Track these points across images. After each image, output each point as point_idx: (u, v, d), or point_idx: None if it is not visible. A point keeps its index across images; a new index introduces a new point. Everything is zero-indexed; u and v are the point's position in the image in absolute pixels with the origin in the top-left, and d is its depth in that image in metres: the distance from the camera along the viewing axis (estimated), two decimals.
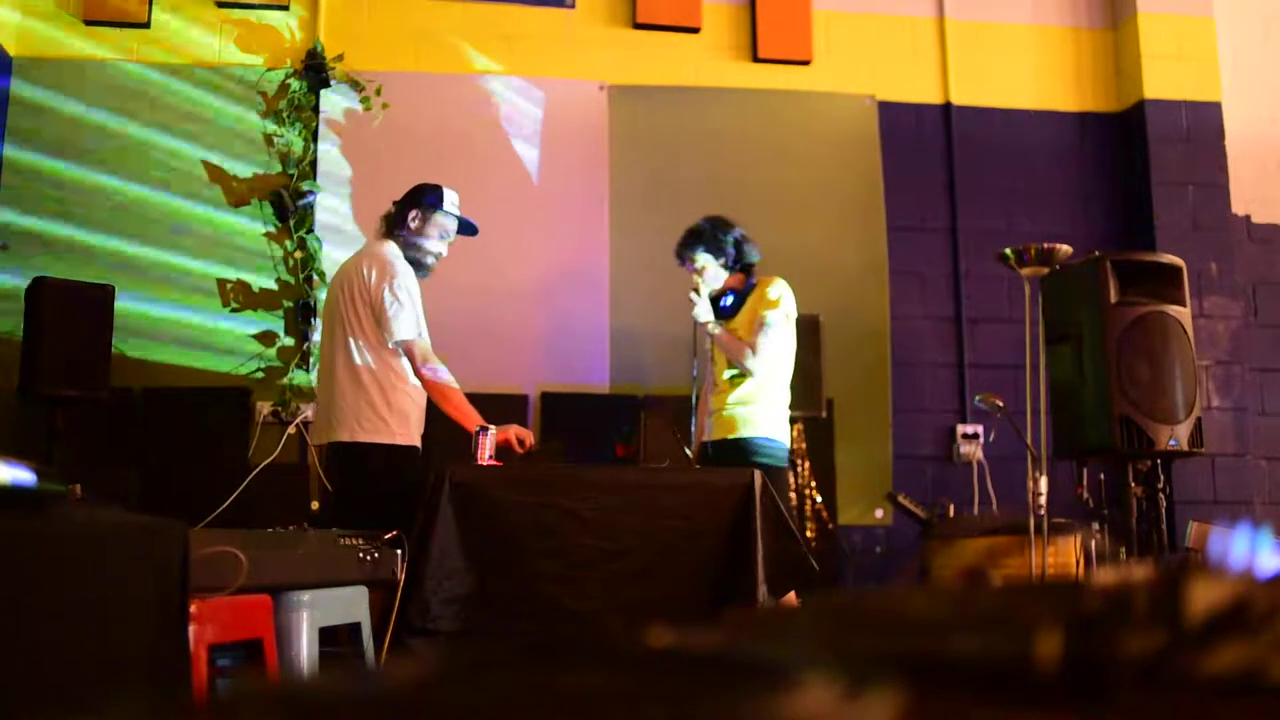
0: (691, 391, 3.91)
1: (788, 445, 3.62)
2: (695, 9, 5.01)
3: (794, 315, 3.61)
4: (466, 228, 3.54)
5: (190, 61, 4.70)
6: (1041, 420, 3.65)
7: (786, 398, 3.62)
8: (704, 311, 3.60)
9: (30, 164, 4.52)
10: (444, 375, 3.29)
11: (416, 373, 3.29)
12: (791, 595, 3.00)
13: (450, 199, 3.47)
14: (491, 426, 3.08)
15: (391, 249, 3.37)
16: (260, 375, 4.50)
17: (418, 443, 3.35)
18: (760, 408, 3.53)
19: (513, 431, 3.27)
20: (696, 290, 3.61)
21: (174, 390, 4.40)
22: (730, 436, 3.53)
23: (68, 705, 1.08)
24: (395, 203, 3.50)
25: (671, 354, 4.55)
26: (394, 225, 3.44)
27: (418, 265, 3.42)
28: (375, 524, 2.62)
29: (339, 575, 2.45)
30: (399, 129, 4.72)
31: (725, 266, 3.65)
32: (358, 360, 3.28)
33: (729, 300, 3.65)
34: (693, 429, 3.73)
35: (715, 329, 3.58)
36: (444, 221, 3.45)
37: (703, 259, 3.64)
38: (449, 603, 2.68)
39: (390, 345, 3.27)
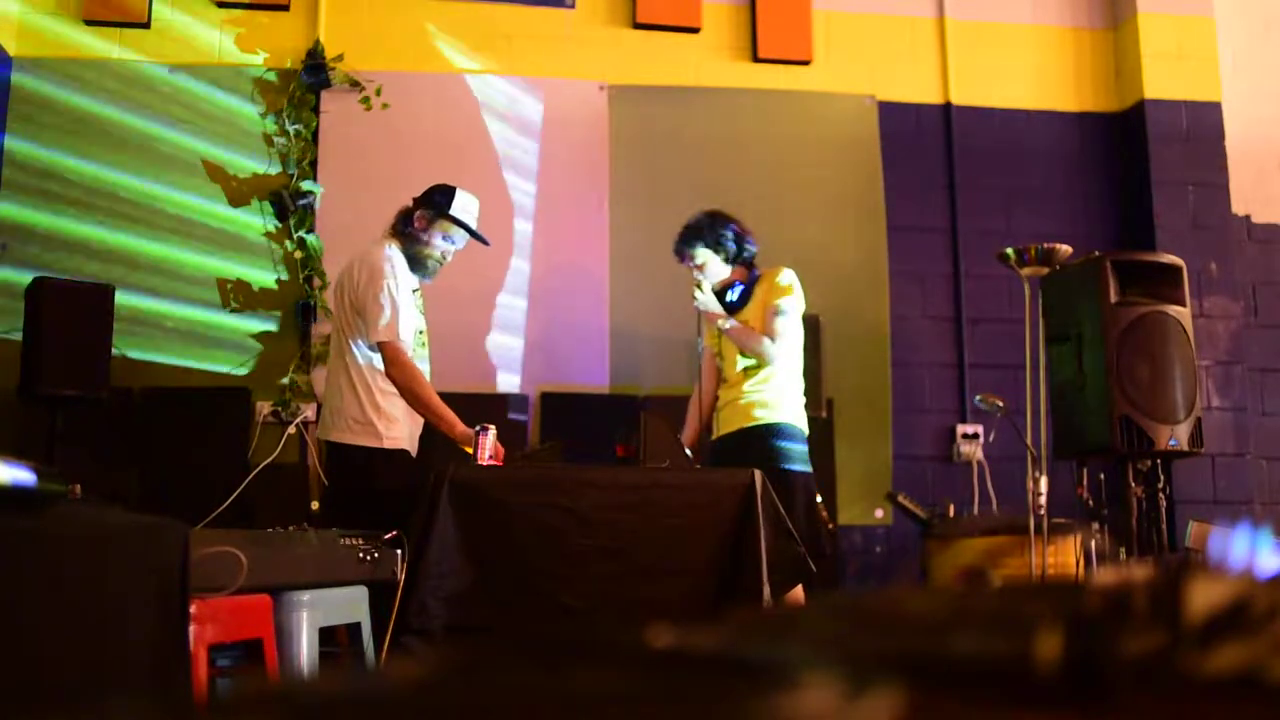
0: (691, 391, 3.91)
1: (807, 433, 3.59)
2: (695, 9, 5.01)
3: (803, 304, 3.61)
4: (477, 238, 3.51)
5: (190, 61, 4.69)
6: (1041, 420, 3.65)
7: (801, 385, 3.62)
8: (714, 306, 3.59)
9: (30, 163, 4.52)
10: (414, 378, 3.26)
11: (386, 373, 3.28)
12: (799, 591, 3.01)
13: (461, 204, 3.43)
14: (491, 426, 3.09)
15: (388, 250, 3.36)
16: (260, 375, 4.50)
17: (407, 446, 3.36)
18: (776, 395, 3.52)
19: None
20: (699, 286, 3.60)
21: (174, 390, 4.39)
22: (748, 425, 3.51)
23: (68, 705, 1.08)
24: (414, 199, 3.49)
25: (671, 354, 4.55)
26: (401, 224, 3.45)
27: (418, 265, 3.43)
28: (364, 523, 2.65)
29: (339, 575, 2.46)
30: (399, 129, 4.72)
31: (726, 260, 3.65)
32: (350, 362, 3.33)
33: (736, 293, 3.65)
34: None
35: (726, 323, 3.57)
36: (449, 226, 3.43)
37: (703, 254, 3.64)
38: (448, 603, 2.68)
39: (368, 347, 3.29)
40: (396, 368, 3.26)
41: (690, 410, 3.81)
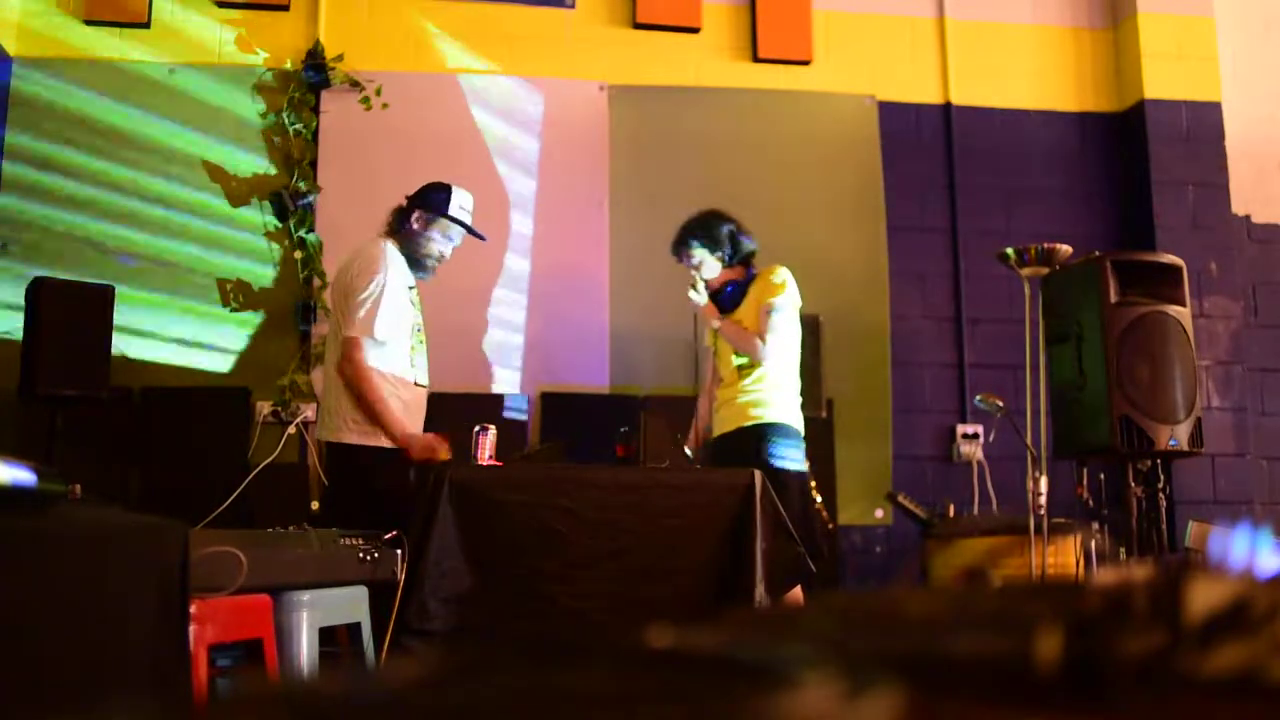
0: (693, 391, 3.91)
1: (802, 432, 3.59)
2: (695, 9, 5.01)
3: (798, 302, 3.61)
4: (475, 234, 3.52)
5: (190, 61, 4.70)
6: (1041, 420, 3.65)
7: (797, 384, 3.61)
8: (707, 305, 3.60)
9: (30, 163, 4.52)
10: (364, 378, 3.22)
11: (339, 366, 3.26)
12: (797, 592, 3.01)
13: (459, 202, 3.44)
14: (491, 426, 3.09)
15: (385, 247, 3.35)
16: (260, 375, 4.50)
17: None
18: (772, 394, 3.52)
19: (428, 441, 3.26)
20: (694, 286, 3.62)
21: (174, 390, 4.39)
22: (744, 425, 3.51)
23: (68, 705, 1.08)
24: (407, 198, 3.48)
25: (671, 354, 4.55)
26: (398, 223, 3.44)
27: (418, 265, 3.42)
28: (364, 523, 2.66)
29: (339, 575, 2.46)
30: (399, 129, 4.72)
31: (722, 260, 3.65)
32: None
33: (730, 292, 3.65)
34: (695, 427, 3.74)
35: (718, 322, 3.58)
36: (448, 225, 3.43)
37: (699, 253, 3.64)
38: (447, 603, 2.68)
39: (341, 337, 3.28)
40: (350, 364, 3.23)
41: (698, 410, 3.83)
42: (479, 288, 4.63)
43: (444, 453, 3.18)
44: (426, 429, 3.40)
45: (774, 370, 3.53)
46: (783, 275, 3.58)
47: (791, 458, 3.50)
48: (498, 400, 4.49)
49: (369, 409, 3.22)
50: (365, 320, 3.22)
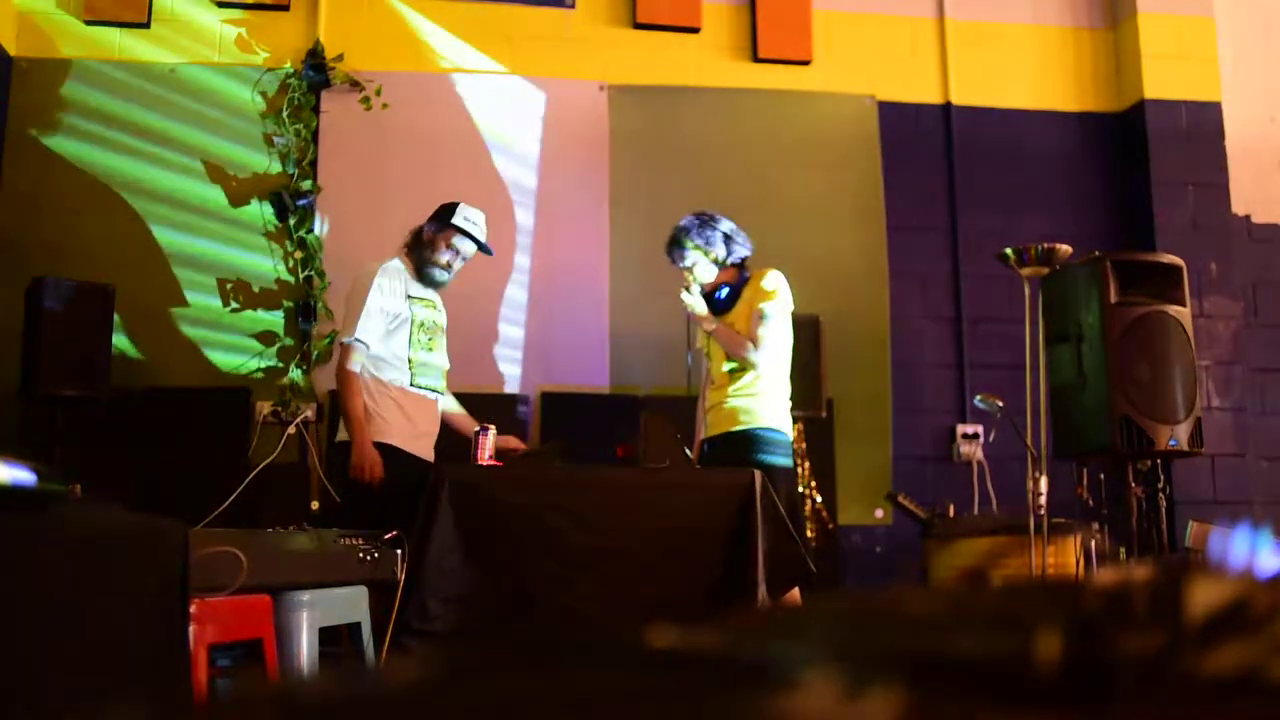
0: (694, 391, 3.91)
1: (791, 437, 3.59)
2: (695, 9, 5.01)
3: (790, 306, 3.60)
4: (482, 248, 3.65)
5: (190, 61, 4.69)
6: (1041, 420, 3.65)
7: (788, 389, 3.60)
8: (700, 307, 3.59)
9: (30, 163, 4.51)
10: (347, 383, 3.37)
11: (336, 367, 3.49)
12: (795, 593, 3.01)
13: (464, 215, 3.56)
14: (491, 427, 3.12)
15: (389, 261, 3.51)
16: (260, 375, 4.50)
17: (399, 442, 3.40)
18: (762, 399, 3.51)
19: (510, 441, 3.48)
20: (687, 288, 3.60)
21: (174, 390, 4.39)
22: (733, 429, 3.50)
23: (68, 705, 1.08)
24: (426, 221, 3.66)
25: (671, 354, 4.54)
26: (412, 240, 3.60)
27: (428, 276, 3.55)
28: (361, 520, 2.69)
29: (339, 575, 2.46)
30: (399, 129, 4.72)
31: (716, 261, 3.63)
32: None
33: (724, 294, 3.64)
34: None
35: (712, 325, 3.57)
36: (454, 237, 3.54)
37: (693, 255, 3.63)
38: (447, 603, 2.68)
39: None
40: (339, 368, 3.43)
41: (697, 412, 3.82)
42: (480, 288, 4.62)
43: (369, 474, 3.27)
44: (440, 436, 3.55)
45: (764, 375, 3.52)
46: (775, 280, 3.56)
47: (778, 457, 3.49)
48: (498, 400, 4.49)
49: (342, 408, 3.41)
50: (348, 323, 3.42)
